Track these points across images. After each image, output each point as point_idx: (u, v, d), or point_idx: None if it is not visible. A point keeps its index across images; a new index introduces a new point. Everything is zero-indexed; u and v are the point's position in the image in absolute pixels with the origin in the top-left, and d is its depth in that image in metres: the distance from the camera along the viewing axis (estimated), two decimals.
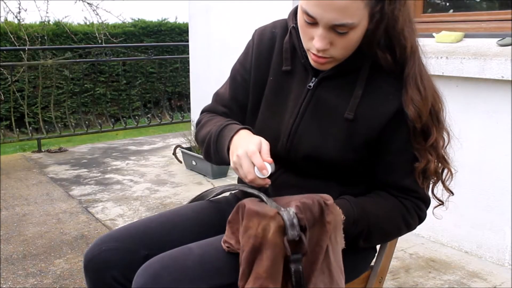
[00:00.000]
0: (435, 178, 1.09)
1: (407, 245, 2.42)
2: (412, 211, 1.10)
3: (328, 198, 0.95)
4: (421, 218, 1.13)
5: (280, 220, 0.89)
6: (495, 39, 2.24)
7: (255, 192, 1.01)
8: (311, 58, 1.05)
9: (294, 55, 1.13)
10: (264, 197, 0.98)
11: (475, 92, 2.22)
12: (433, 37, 2.46)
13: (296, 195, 0.98)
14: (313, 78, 1.10)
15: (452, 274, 2.16)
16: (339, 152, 1.07)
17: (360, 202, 1.06)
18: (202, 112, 1.31)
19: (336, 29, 0.96)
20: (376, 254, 1.26)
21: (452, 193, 1.14)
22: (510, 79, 2.03)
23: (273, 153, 1.05)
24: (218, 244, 1.04)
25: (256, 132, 1.10)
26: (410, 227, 1.12)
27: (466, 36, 2.40)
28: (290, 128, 1.11)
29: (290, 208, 0.90)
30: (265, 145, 1.01)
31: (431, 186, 1.13)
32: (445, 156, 1.08)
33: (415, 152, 1.05)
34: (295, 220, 0.88)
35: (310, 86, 1.10)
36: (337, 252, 0.96)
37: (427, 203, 1.13)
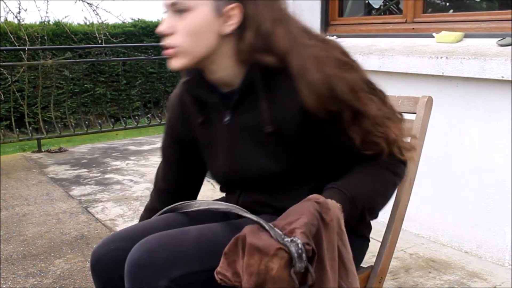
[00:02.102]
0: (373, 151, 1.05)
1: (407, 245, 2.42)
2: (391, 160, 1.08)
3: (317, 198, 0.94)
4: (403, 161, 1.12)
5: (284, 255, 0.86)
6: (495, 39, 2.24)
7: (254, 218, 0.94)
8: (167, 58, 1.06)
9: (202, 103, 1.14)
10: (265, 225, 0.91)
11: (475, 92, 2.22)
12: (433, 37, 2.46)
13: (293, 209, 0.95)
14: (227, 112, 1.11)
15: (452, 274, 2.16)
16: (283, 165, 1.08)
17: (345, 182, 1.05)
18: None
19: (174, 9, 1.00)
20: (376, 254, 1.26)
21: (407, 159, 1.11)
22: (510, 79, 2.03)
23: (232, 186, 1.16)
24: (216, 228, 1.05)
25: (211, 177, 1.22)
26: (399, 175, 1.11)
27: (466, 36, 2.40)
28: (229, 166, 1.14)
29: (297, 239, 0.87)
30: None
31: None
32: (375, 129, 1.02)
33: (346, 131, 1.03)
34: (303, 254, 0.86)
35: (226, 121, 1.11)
36: (344, 239, 0.96)
37: (399, 148, 1.10)
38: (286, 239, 0.87)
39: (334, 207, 0.96)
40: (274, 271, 0.85)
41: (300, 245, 0.86)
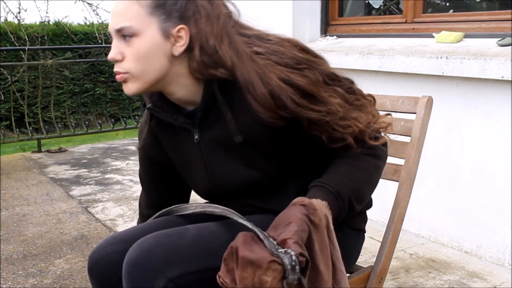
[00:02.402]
0: (343, 143, 1.05)
1: (407, 245, 2.42)
2: (369, 145, 1.08)
3: (302, 201, 0.94)
4: (383, 143, 1.11)
5: (277, 267, 0.86)
6: (495, 39, 2.24)
7: (250, 225, 0.94)
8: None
9: (168, 126, 1.14)
10: (260, 234, 0.90)
11: (475, 92, 2.22)
12: (433, 37, 2.46)
13: (281, 217, 0.94)
14: (195, 131, 1.11)
15: (452, 274, 2.16)
16: (259, 171, 1.08)
17: (327, 177, 1.05)
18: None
19: (121, 34, 1.01)
20: (376, 254, 1.26)
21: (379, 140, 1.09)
22: (510, 79, 2.03)
23: (216, 197, 1.17)
24: (214, 228, 1.05)
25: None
26: (380, 157, 1.10)
27: (466, 36, 2.40)
28: (210, 183, 1.14)
29: (291, 251, 0.86)
30: None
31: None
32: (338, 124, 1.02)
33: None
34: (297, 267, 0.86)
35: (197, 139, 1.11)
36: (332, 237, 0.96)
37: (378, 133, 1.10)
38: (280, 250, 0.87)
39: (321, 206, 0.96)
40: (268, 284, 0.85)
41: (293, 257, 0.86)
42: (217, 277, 0.92)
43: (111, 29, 1.02)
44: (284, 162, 1.10)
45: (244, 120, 1.04)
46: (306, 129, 1.03)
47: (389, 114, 1.19)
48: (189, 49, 1.01)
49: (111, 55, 1.02)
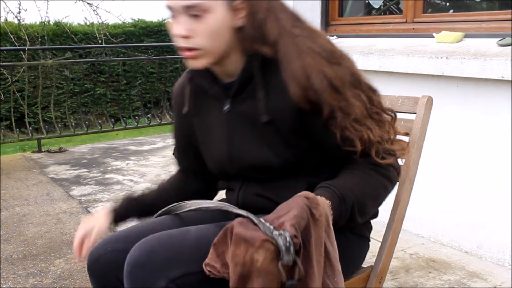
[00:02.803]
0: (354, 149, 1.05)
1: (407, 245, 2.42)
2: (382, 164, 1.09)
3: (307, 194, 0.94)
4: (395, 167, 1.12)
5: (270, 247, 0.85)
6: (495, 39, 2.24)
7: (243, 213, 0.95)
8: (185, 58, 1.07)
9: (202, 92, 1.17)
10: (254, 219, 0.91)
11: (475, 92, 2.22)
12: (433, 37, 2.46)
13: (283, 204, 0.95)
14: (226, 101, 1.13)
15: (452, 274, 2.16)
16: (276, 154, 1.09)
17: (336, 181, 1.06)
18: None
19: (190, 12, 1.01)
20: (376, 254, 1.26)
21: (392, 158, 1.10)
22: (510, 79, 2.03)
23: (228, 175, 1.17)
24: (216, 229, 1.05)
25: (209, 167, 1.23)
26: (391, 179, 1.11)
27: (466, 36, 2.40)
28: (227, 155, 1.15)
29: (285, 232, 0.86)
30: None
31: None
32: (354, 127, 1.03)
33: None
34: (291, 247, 0.86)
35: (226, 110, 1.14)
36: (332, 238, 0.96)
37: (391, 154, 1.10)
38: (275, 233, 0.87)
39: (324, 203, 0.96)
40: (259, 262, 0.85)
41: (288, 238, 0.86)
42: (204, 266, 0.92)
43: (177, 5, 1.01)
44: (301, 153, 1.10)
45: (274, 102, 1.06)
46: (325, 121, 1.03)
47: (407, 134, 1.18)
48: (243, 22, 1.03)
49: (179, 32, 1.02)
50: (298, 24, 1.08)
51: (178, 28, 1.02)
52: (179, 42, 1.05)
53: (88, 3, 5.82)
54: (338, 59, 1.05)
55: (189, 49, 1.04)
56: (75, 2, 5.72)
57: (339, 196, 1.01)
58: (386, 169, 1.10)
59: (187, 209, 1.17)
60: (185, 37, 1.03)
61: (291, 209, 0.91)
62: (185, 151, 1.30)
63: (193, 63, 1.07)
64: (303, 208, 0.91)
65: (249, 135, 1.11)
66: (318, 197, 0.96)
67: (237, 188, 1.19)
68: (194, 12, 1.01)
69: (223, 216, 1.22)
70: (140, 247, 1.01)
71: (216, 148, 1.18)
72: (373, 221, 1.25)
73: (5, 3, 5.68)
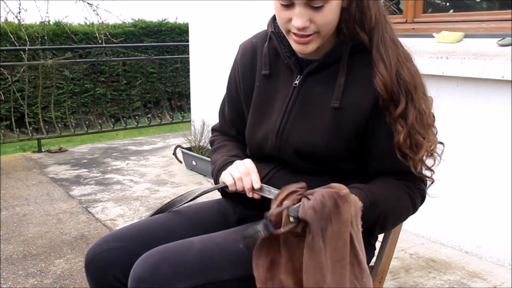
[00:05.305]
0: (411, 154, 1.05)
1: (407, 245, 2.42)
2: (414, 189, 1.10)
3: (342, 188, 0.93)
4: (423, 196, 1.13)
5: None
6: (495, 39, 2.24)
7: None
8: (294, 42, 1.06)
9: (276, 58, 1.17)
10: (265, 187, 1.01)
11: (475, 92, 2.22)
12: (433, 37, 2.46)
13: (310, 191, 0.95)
14: (298, 76, 1.13)
15: (452, 274, 2.16)
16: (327, 143, 1.08)
17: (370, 187, 1.06)
18: (213, 130, 1.37)
19: (312, 4, 1.00)
20: (376, 254, 1.26)
21: (431, 174, 1.12)
22: (510, 79, 2.03)
23: (264, 153, 1.14)
24: (219, 240, 1.05)
25: (247, 137, 1.18)
26: (415, 206, 1.12)
27: (466, 36, 2.40)
28: (278, 126, 1.13)
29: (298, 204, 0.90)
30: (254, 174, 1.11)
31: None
32: (420, 130, 1.04)
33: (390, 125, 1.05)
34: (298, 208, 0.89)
35: (295, 84, 1.13)
36: (360, 239, 0.95)
37: (424, 180, 1.13)
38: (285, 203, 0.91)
39: (356, 202, 0.94)
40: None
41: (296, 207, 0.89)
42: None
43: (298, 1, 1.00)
44: (348, 152, 1.09)
45: (352, 91, 1.06)
46: (395, 117, 1.03)
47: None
48: (349, 3, 1.04)
49: (302, 24, 1.01)
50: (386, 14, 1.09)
51: (299, 21, 1.01)
52: (292, 30, 1.04)
53: (88, 3, 5.81)
54: (411, 63, 1.07)
55: (304, 36, 1.04)
56: (75, 2, 5.71)
57: (371, 202, 1.01)
58: (414, 193, 1.10)
59: (180, 205, 1.18)
60: (305, 28, 1.03)
61: (316, 192, 0.91)
62: (234, 104, 1.27)
63: (303, 48, 1.06)
64: (330, 196, 0.90)
65: (309, 115, 1.10)
66: (352, 195, 0.95)
67: (270, 167, 1.16)
68: (317, 5, 1.00)
69: (218, 215, 1.23)
70: (144, 262, 1.01)
71: (266, 119, 1.16)
72: None
73: (5, 3, 5.68)
